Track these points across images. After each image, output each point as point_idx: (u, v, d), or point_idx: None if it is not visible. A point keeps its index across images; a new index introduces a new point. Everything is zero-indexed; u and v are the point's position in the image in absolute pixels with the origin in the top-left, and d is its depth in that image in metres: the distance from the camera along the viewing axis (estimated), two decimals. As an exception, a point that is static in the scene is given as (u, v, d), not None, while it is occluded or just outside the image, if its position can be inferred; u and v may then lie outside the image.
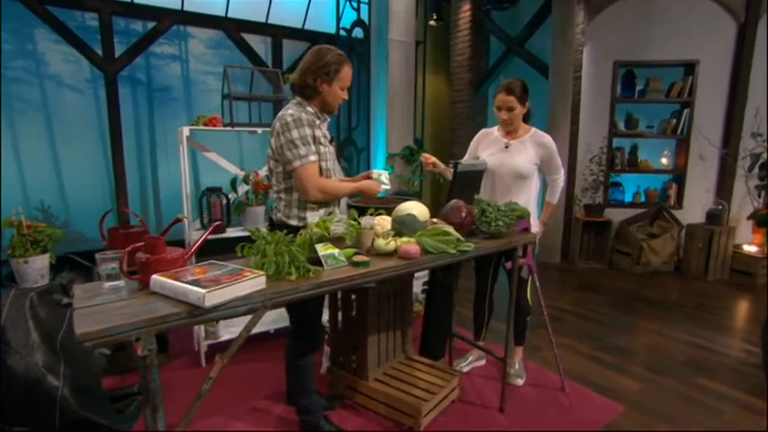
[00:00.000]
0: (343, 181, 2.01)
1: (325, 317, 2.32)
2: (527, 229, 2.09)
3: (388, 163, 4.86)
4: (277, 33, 5.02)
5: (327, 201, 1.79)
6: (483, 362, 2.65)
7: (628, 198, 4.78)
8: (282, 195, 1.80)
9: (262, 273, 1.25)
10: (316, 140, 1.73)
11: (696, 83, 4.38)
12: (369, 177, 1.98)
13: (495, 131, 2.38)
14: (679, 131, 4.51)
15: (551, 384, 2.46)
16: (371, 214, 1.72)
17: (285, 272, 1.32)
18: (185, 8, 4.43)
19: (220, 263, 1.34)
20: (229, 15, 4.69)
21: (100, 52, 4.10)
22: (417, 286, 3.15)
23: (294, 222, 1.78)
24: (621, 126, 4.65)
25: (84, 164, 4.24)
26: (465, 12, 5.43)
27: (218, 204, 2.60)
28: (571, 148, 4.59)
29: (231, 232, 2.61)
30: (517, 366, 2.50)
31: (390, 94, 4.79)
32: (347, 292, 2.13)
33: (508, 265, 2.07)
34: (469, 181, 2.18)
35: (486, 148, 2.37)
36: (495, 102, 2.26)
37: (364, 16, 5.01)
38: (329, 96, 1.77)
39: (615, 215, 4.65)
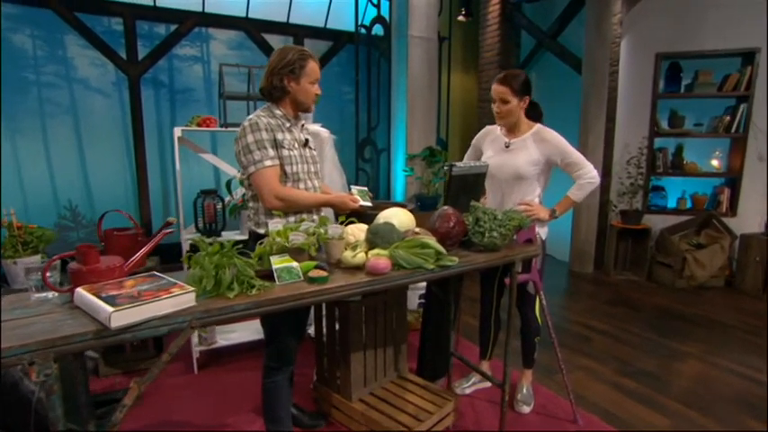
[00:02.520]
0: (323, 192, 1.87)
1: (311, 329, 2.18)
2: (531, 241, 1.86)
3: (407, 164, 4.67)
4: (298, 33, 4.97)
5: (285, 210, 1.65)
6: (488, 384, 2.42)
7: (671, 204, 4.33)
8: (251, 203, 1.73)
9: (191, 289, 1.13)
10: (277, 144, 1.64)
11: (755, 74, 3.88)
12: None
13: (497, 130, 2.15)
14: (734, 129, 4.03)
15: (562, 414, 2.19)
16: (342, 222, 1.56)
17: (225, 287, 1.19)
18: (207, 10, 4.46)
19: (160, 275, 1.23)
20: (250, 16, 4.68)
21: (124, 56, 4.20)
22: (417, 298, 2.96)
23: (263, 231, 1.68)
24: (664, 124, 4.21)
25: (109, 164, 4.36)
26: (494, 5, 5.15)
27: (212, 207, 2.53)
28: (606, 148, 4.21)
29: (226, 236, 2.54)
30: (525, 391, 2.26)
31: (411, 93, 4.60)
32: (331, 304, 1.98)
33: (508, 281, 1.84)
34: (468, 185, 1.97)
35: (488, 148, 2.15)
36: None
37: (385, 13, 4.86)
38: (300, 94, 1.70)
39: (655, 222, 4.22)
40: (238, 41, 4.76)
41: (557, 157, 2.02)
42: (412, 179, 4.74)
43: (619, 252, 4.35)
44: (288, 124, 1.71)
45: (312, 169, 1.79)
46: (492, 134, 2.17)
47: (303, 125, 1.81)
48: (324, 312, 2.03)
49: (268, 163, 1.61)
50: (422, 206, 4.30)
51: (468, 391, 2.35)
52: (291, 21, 4.90)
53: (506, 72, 2.01)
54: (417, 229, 1.62)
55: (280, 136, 1.66)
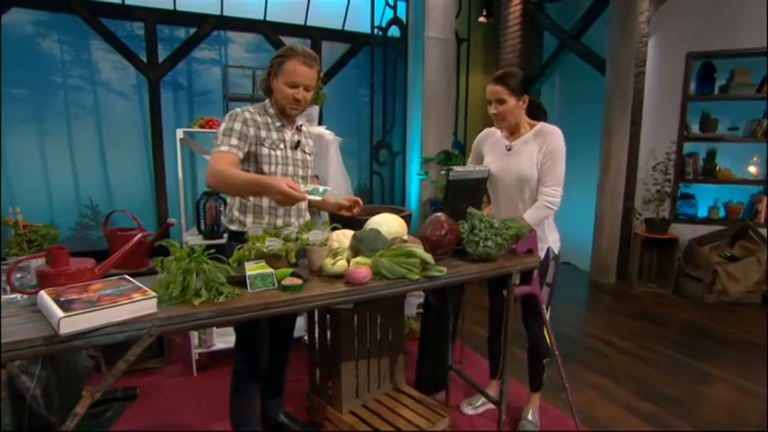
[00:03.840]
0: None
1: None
2: (531, 251, 1.74)
3: (422, 168, 4.59)
4: (315, 35, 4.97)
5: (222, 191, 1.68)
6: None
7: (701, 212, 4.06)
8: (228, 198, 1.73)
9: (153, 295, 1.09)
10: (257, 141, 1.61)
11: (798, 74, 3.61)
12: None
13: (497, 132, 2.02)
14: (773, 134, 3.75)
15: (567, 436, 2.05)
16: (329, 228, 1.49)
17: (191, 293, 1.14)
18: (225, 13, 4.51)
19: (129, 279, 1.20)
20: (268, 19, 4.71)
21: (145, 59, 4.30)
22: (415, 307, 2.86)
23: (234, 227, 1.67)
24: (695, 128, 3.96)
25: (129, 165, 4.47)
26: (515, 6, 5.00)
27: (213, 209, 2.53)
28: (630, 153, 4.00)
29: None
30: (530, 417, 2.11)
31: (426, 95, 4.52)
32: (322, 311, 1.92)
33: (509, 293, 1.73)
34: (467, 191, 1.87)
35: (488, 152, 2.03)
36: None
37: (402, 14, 4.79)
38: (278, 93, 1.64)
39: (684, 232, 3.97)
40: (256, 44, 4.80)
41: (546, 155, 1.83)
42: (426, 183, 4.64)
43: (643, 263, 4.11)
44: (278, 123, 1.67)
45: (300, 173, 1.73)
46: (492, 137, 2.04)
47: (300, 126, 1.76)
48: (316, 319, 1.98)
49: (224, 148, 1.55)
50: (436, 211, 4.20)
51: (476, 411, 2.21)
52: (309, 23, 4.91)
53: (502, 71, 1.90)
54: (406, 237, 1.54)
55: (263, 133, 1.63)
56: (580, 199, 4.67)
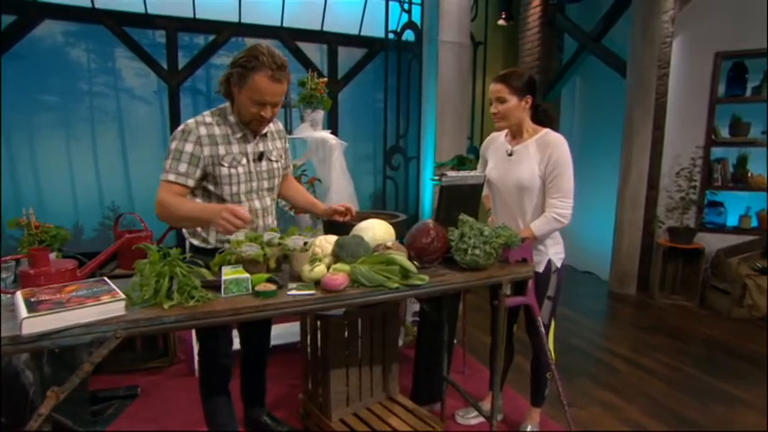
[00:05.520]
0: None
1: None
2: (525, 261, 1.67)
3: (435, 173, 4.53)
4: (331, 40, 5.01)
5: (171, 224, 1.57)
6: (499, 416, 2.20)
7: (731, 221, 3.84)
8: None
9: (122, 297, 1.10)
10: (214, 162, 1.49)
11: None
12: None
13: (501, 136, 1.97)
14: (811, 139, 3.50)
15: (568, 455, 1.95)
16: (311, 233, 1.48)
17: (162, 296, 1.15)
18: (243, 20, 4.61)
19: (107, 281, 1.22)
20: (284, 25, 4.78)
21: (165, 66, 4.44)
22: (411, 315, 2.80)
23: (196, 242, 1.60)
24: (724, 132, 3.75)
25: (149, 169, 4.60)
26: (534, 8, 4.89)
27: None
28: (652, 159, 3.82)
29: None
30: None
31: (440, 99, 4.47)
32: (313, 317, 1.90)
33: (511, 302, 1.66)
34: (462, 197, 1.81)
35: (491, 156, 1.98)
36: None
37: (416, 18, 4.77)
38: (241, 107, 1.48)
39: (711, 242, 3.75)
40: (273, 50, 4.88)
41: (551, 166, 1.76)
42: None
43: (667, 273, 3.91)
44: (239, 135, 1.53)
45: (266, 185, 1.63)
46: (496, 141, 1.99)
47: (266, 134, 1.61)
48: (308, 325, 1.96)
49: (171, 177, 1.46)
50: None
51: (468, 423, 2.15)
52: (325, 29, 4.95)
53: (507, 70, 1.84)
54: (390, 243, 1.50)
55: (222, 150, 1.49)
56: (600, 206, 4.50)
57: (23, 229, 2.28)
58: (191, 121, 1.51)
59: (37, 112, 4.17)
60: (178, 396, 2.36)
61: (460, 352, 2.72)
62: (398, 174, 5.03)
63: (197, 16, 4.47)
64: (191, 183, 1.49)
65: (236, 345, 2.63)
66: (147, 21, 4.34)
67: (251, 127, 1.54)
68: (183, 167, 1.46)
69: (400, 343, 2.92)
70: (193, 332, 2.53)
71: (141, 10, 4.30)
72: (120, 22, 4.25)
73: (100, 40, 4.32)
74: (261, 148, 1.60)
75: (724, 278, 3.62)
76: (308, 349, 1.99)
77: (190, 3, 4.43)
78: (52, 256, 2.29)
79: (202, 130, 1.49)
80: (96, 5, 4.12)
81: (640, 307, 3.81)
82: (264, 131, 1.61)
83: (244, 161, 1.55)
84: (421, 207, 4.87)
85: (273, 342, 2.63)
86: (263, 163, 1.61)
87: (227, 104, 1.55)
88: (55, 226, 2.35)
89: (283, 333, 2.78)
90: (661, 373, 2.71)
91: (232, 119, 1.54)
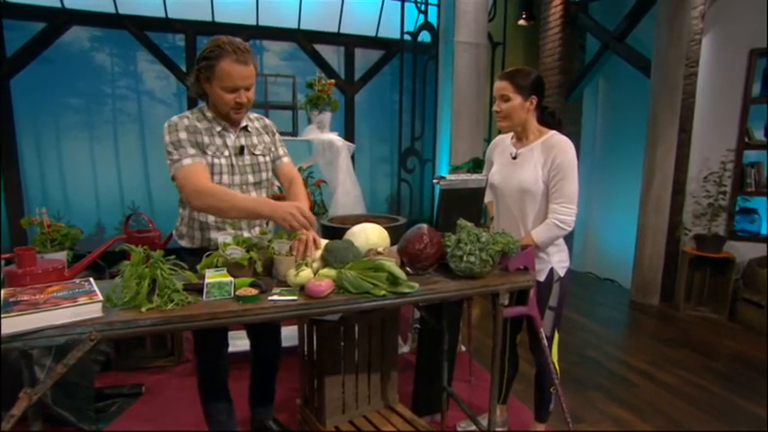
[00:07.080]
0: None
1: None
2: (526, 269, 1.59)
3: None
4: (348, 42, 5.00)
5: (218, 215, 1.49)
6: (504, 429, 2.12)
7: (765, 230, 3.60)
8: (180, 209, 1.64)
9: (98, 299, 1.09)
10: (199, 146, 1.50)
11: None
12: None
13: (507, 139, 1.89)
14: None
15: (574, 474, 1.85)
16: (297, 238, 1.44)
17: (141, 299, 1.14)
18: (260, 23, 4.66)
19: (90, 282, 1.21)
20: (302, 27, 4.80)
21: (185, 68, 4.52)
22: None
23: (184, 243, 1.58)
24: (759, 134, 3.53)
25: (167, 169, 4.71)
26: (556, 6, 4.75)
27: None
28: (678, 162, 3.63)
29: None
30: (530, 447, 1.94)
31: (456, 101, 4.39)
32: (309, 321, 1.87)
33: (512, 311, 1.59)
34: (462, 202, 1.75)
35: (496, 159, 1.91)
36: None
37: (433, 19, 4.70)
38: (216, 99, 1.48)
39: (742, 251, 3.53)
40: (290, 52, 4.91)
41: (554, 169, 1.68)
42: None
43: (693, 284, 3.71)
44: (219, 128, 1.53)
45: (251, 180, 1.60)
46: (501, 144, 1.92)
47: (245, 127, 1.60)
48: (305, 329, 1.93)
49: (187, 161, 1.44)
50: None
51: (469, 434, 2.09)
52: (342, 31, 4.95)
53: (513, 68, 1.77)
54: (381, 249, 1.45)
55: (206, 140, 1.51)
56: (622, 212, 4.32)
57: (36, 227, 2.34)
58: (173, 117, 1.53)
59: (64, 114, 4.32)
60: (181, 396, 2.38)
61: (467, 359, 2.64)
62: (414, 176, 4.96)
63: (215, 20, 4.55)
64: (202, 161, 1.48)
65: (239, 347, 2.64)
66: (167, 25, 4.44)
67: (230, 118, 1.53)
68: (191, 150, 1.47)
69: (407, 348, 2.87)
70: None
71: (162, 14, 4.40)
72: (141, 27, 4.36)
73: (123, 45, 4.45)
74: (242, 142, 1.59)
75: (757, 290, 3.39)
76: (305, 354, 1.96)
77: (209, 7, 4.50)
78: (63, 254, 2.35)
79: (186, 122, 1.51)
80: (120, 11, 4.23)
81: (663, 318, 3.63)
82: (245, 125, 1.60)
83: (226, 153, 1.55)
84: (435, 211, 4.79)
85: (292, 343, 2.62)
86: (246, 157, 1.59)
87: (203, 104, 1.57)
88: (66, 225, 2.40)
89: (288, 336, 2.76)
90: (681, 390, 2.55)
91: (210, 115, 1.54)
